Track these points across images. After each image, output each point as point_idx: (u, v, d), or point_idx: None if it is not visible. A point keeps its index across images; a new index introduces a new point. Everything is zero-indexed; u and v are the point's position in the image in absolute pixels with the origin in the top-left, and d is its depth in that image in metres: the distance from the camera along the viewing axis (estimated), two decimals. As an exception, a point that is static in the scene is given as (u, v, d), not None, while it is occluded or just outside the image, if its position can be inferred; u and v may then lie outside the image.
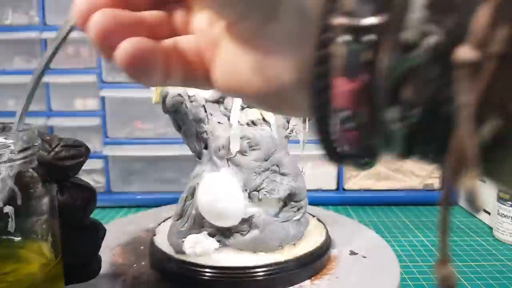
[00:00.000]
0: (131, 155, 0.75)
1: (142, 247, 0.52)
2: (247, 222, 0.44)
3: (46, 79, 0.73)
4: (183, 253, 0.45)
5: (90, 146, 0.77)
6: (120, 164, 0.77)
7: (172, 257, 0.45)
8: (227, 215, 0.43)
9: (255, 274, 0.42)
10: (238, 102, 0.45)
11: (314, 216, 0.55)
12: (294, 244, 0.47)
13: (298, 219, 0.47)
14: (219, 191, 0.43)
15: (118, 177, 0.77)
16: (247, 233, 0.44)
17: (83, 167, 0.85)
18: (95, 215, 0.78)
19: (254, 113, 0.46)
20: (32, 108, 0.82)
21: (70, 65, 0.74)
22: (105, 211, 0.74)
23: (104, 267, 0.47)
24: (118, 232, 0.58)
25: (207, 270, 0.43)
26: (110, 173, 0.76)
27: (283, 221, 0.46)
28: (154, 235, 0.50)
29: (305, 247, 0.46)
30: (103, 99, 0.74)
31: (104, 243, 0.53)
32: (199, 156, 0.48)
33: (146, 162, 0.77)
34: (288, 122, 0.48)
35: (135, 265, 0.47)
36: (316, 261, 0.45)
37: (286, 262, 0.43)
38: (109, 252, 0.51)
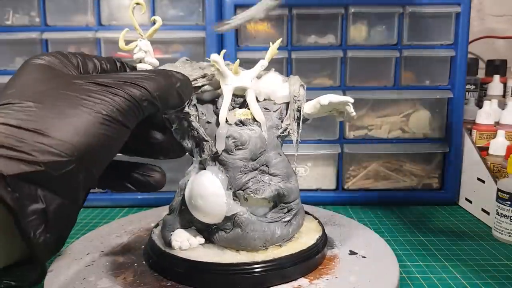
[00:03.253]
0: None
1: (143, 247, 0.52)
2: (231, 220, 0.44)
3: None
4: (170, 245, 0.46)
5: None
6: (120, 164, 0.77)
7: (160, 249, 0.46)
8: (209, 212, 0.44)
9: (249, 271, 0.43)
10: (227, 101, 0.45)
11: (316, 219, 0.54)
12: (280, 245, 0.46)
13: (288, 221, 0.46)
14: (202, 189, 0.44)
15: (118, 177, 0.77)
16: (230, 230, 0.45)
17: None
18: (96, 215, 0.78)
19: (243, 113, 0.46)
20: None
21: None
22: (105, 211, 0.75)
23: (105, 266, 0.47)
24: (119, 232, 0.58)
25: (187, 263, 0.44)
26: (110, 173, 0.76)
27: (270, 222, 0.46)
28: (156, 226, 0.52)
29: (290, 249, 0.46)
30: (103, 99, 0.74)
31: (106, 243, 0.54)
32: (192, 154, 0.49)
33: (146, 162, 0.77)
34: (281, 122, 0.48)
35: (135, 264, 0.48)
36: (305, 261, 0.45)
37: (274, 260, 0.44)
38: (110, 252, 0.51)
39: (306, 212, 0.51)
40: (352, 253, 0.50)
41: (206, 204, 0.43)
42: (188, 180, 0.46)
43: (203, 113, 0.47)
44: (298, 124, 0.47)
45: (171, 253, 0.45)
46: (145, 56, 0.45)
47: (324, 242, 0.49)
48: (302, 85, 0.48)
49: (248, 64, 0.49)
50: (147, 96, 0.34)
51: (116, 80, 0.33)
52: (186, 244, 0.45)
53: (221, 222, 0.45)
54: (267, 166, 0.46)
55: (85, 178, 0.31)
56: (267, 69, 0.48)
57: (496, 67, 0.96)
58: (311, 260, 0.46)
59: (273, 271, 0.43)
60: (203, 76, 0.45)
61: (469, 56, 0.80)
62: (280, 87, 0.48)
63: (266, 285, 0.43)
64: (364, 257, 0.49)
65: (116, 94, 0.32)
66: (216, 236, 0.46)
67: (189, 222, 0.47)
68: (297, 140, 0.47)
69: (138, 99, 0.33)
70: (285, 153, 0.48)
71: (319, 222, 0.53)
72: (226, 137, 0.44)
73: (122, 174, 0.43)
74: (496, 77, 0.89)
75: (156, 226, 0.52)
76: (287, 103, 0.48)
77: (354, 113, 0.46)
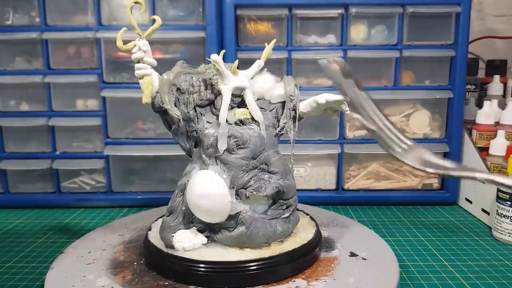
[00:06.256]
0: (131, 155, 0.75)
1: (143, 246, 0.52)
2: (234, 218, 0.45)
3: (47, 79, 0.73)
4: (172, 247, 0.46)
5: (91, 146, 0.78)
6: (120, 164, 0.77)
7: (161, 251, 0.46)
8: (214, 211, 0.44)
9: (243, 269, 0.43)
10: (226, 102, 0.46)
11: (307, 215, 0.55)
12: (281, 241, 0.47)
13: (287, 217, 0.47)
14: (207, 189, 0.44)
15: (118, 177, 0.77)
16: (233, 229, 0.45)
17: (84, 167, 0.85)
18: (96, 215, 0.78)
19: (243, 113, 0.47)
20: (33, 109, 0.83)
21: (71, 65, 0.74)
22: (106, 210, 0.75)
23: (105, 265, 0.48)
24: (122, 231, 0.58)
25: (194, 264, 0.43)
26: (111, 173, 0.76)
27: (271, 219, 0.46)
28: (150, 229, 0.51)
29: (292, 244, 0.47)
30: (104, 99, 0.74)
31: (108, 242, 0.54)
32: (190, 154, 0.49)
33: (146, 162, 0.77)
34: (278, 121, 0.49)
35: (135, 263, 0.48)
36: (301, 258, 0.46)
37: (270, 257, 0.44)
38: (111, 250, 0.51)
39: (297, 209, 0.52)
40: (352, 255, 0.50)
41: (211, 204, 0.44)
42: (187, 181, 0.46)
43: (201, 113, 0.47)
44: (294, 122, 0.48)
45: (174, 254, 0.45)
46: (144, 55, 0.46)
47: (320, 235, 0.51)
48: (296, 85, 0.49)
49: (248, 64, 0.49)
50: None
51: None
52: (189, 245, 0.45)
53: (224, 221, 0.45)
54: (266, 164, 0.47)
55: None
56: (263, 69, 0.49)
57: (496, 67, 0.96)
58: (315, 251, 0.47)
59: (281, 265, 0.44)
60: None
61: (469, 56, 0.80)
62: (273, 87, 0.49)
63: (275, 280, 0.44)
64: (365, 259, 0.49)
65: None
66: (219, 235, 0.46)
67: (189, 222, 0.47)
68: (293, 138, 0.48)
69: None
70: (282, 153, 0.49)
71: (311, 217, 0.54)
72: (228, 137, 0.45)
73: None
74: (496, 77, 0.89)
75: (150, 229, 0.51)
76: (282, 103, 0.49)
77: (348, 111, 0.48)
